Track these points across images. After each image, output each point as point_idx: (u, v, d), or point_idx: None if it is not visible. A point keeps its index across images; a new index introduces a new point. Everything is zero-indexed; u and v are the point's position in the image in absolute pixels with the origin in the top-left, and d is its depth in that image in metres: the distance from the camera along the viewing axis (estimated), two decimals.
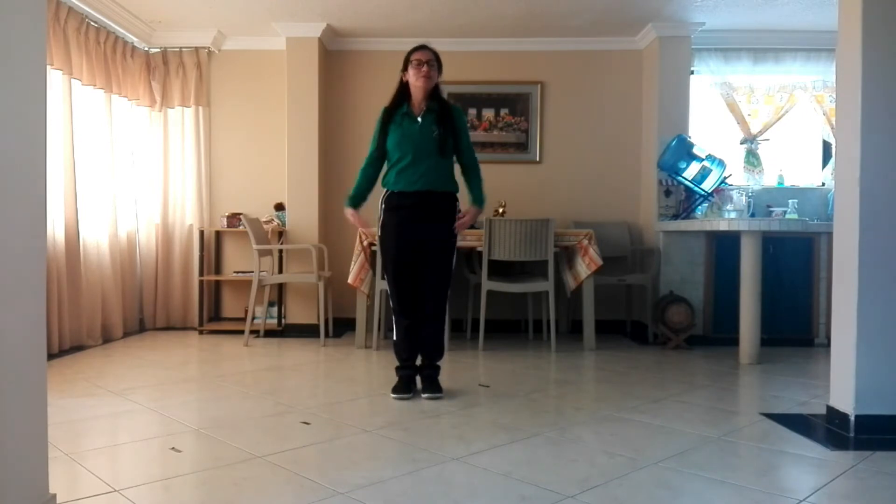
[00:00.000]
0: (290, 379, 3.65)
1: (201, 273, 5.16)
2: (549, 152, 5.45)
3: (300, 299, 5.21)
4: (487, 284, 4.43)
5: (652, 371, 3.89)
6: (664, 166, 4.93)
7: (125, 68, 5.04)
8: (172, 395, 3.19)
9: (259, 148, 5.44)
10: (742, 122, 5.35)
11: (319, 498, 1.92)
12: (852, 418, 2.60)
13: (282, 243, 5.17)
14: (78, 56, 4.38)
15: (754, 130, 5.36)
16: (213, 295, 5.46)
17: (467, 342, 4.82)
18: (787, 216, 4.95)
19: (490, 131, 5.41)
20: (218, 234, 5.47)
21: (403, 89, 3.18)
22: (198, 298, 5.19)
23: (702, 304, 4.85)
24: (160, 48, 5.33)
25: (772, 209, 5.09)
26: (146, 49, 5.30)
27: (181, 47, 5.32)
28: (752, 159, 5.35)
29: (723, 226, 4.13)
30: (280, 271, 5.22)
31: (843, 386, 2.68)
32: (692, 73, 5.20)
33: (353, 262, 4.48)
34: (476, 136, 5.35)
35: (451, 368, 3.84)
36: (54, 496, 1.69)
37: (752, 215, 4.97)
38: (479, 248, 4.50)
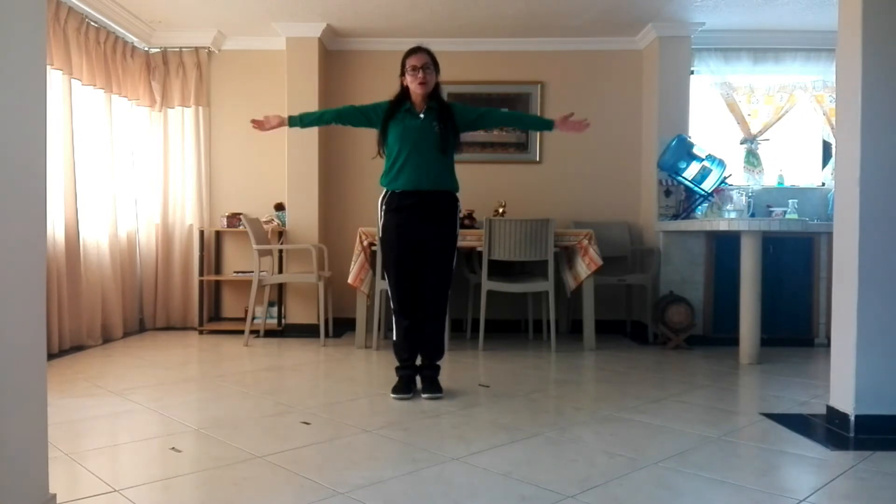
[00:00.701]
0: (290, 379, 3.65)
1: (201, 273, 5.16)
2: (549, 152, 5.45)
3: (300, 299, 5.21)
4: (487, 284, 4.43)
5: (652, 371, 3.89)
6: (664, 166, 4.93)
7: (125, 68, 5.04)
8: (172, 395, 3.19)
9: (259, 148, 5.44)
10: (742, 122, 5.35)
11: (319, 498, 1.92)
12: (852, 418, 2.59)
13: (282, 243, 5.17)
14: (78, 56, 4.38)
15: (754, 130, 5.36)
16: (213, 295, 5.46)
17: (467, 342, 4.82)
18: (787, 216, 4.95)
19: (490, 131, 5.41)
20: (218, 234, 5.46)
21: (404, 92, 3.19)
22: (198, 298, 5.19)
23: (702, 304, 4.85)
24: (160, 48, 5.33)
25: (772, 209, 5.09)
26: (146, 49, 5.30)
27: (181, 47, 5.32)
28: (752, 159, 5.35)
29: (723, 226, 4.12)
30: (280, 271, 5.22)
31: (842, 386, 2.68)
32: (692, 73, 5.20)
33: (353, 262, 4.48)
34: (476, 136, 5.36)
35: (451, 368, 3.84)
36: (54, 496, 1.69)
37: (752, 215, 4.97)
38: (479, 248, 4.50)
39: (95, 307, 4.57)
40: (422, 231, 3.15)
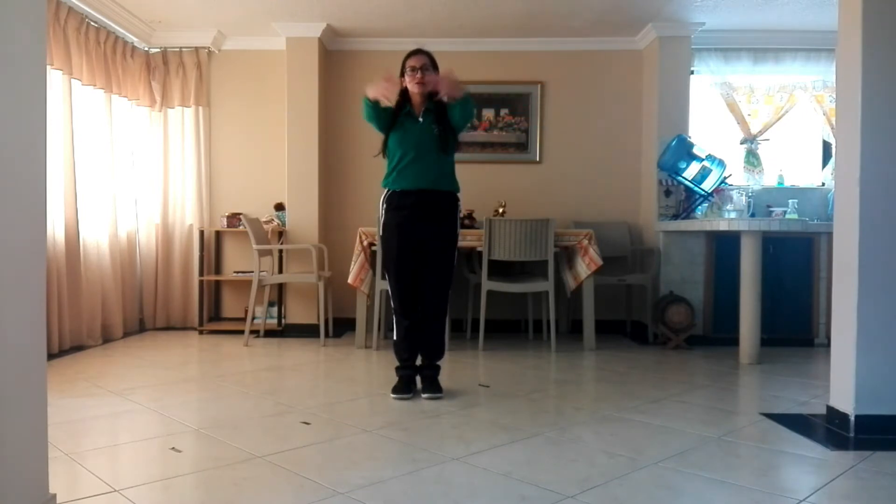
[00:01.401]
0: (290, 379, 3.65)
1: (201, 273, 5.16)
2: (549, 152, 5.45)
3: (300, 299, 5.21)
4: (487, 284, 4.43)
5: (652, 371, 3.89)
6: (664, 166, 4.93)
7: (125, 68, 5.04)
8: (172, 395, 3.19)
9: (259, 148, 5.45)
10: (742, 122, 5.35)
11: (319, 498, 1.92)
12: (852, 418, 2.59)
13: (282, 243, 5.17)
14: (78, 56, 4.38)
15: (754, 130, 5.36)
16: (213, 295, 5.46)
17: (467, 342, 4.82)
18: (787, 216, 4.95)
19: (490, 131, 5.41)
20: (218, 234, 5.46)
21: (405, 93, 3.22)
22: (198, 298, 5.19)
23: (702, 304, 4.84)
24: (160, 48, 5.33)
25: (772, 209, 5.09)
26: (146, 49, 5.30)
27: (181, 47, 5.32)
28: (752, 159, 5.35)
29: (723, 226, 4.12)
30: (280, 271, 5.22)
31: (842, 386, 2.68)
32: (692, 73, 5.20)
33: (353, 262, 4.48)
34: (476, 136, 5.37)
35: (451, 368, 3.84)
36: (54, 496, 1.69)
37: (752, 215, 4.97)
38: (479, 248, 4.50)
39: (95, 307, 4.57)
40: (422, 230, 3.16)
